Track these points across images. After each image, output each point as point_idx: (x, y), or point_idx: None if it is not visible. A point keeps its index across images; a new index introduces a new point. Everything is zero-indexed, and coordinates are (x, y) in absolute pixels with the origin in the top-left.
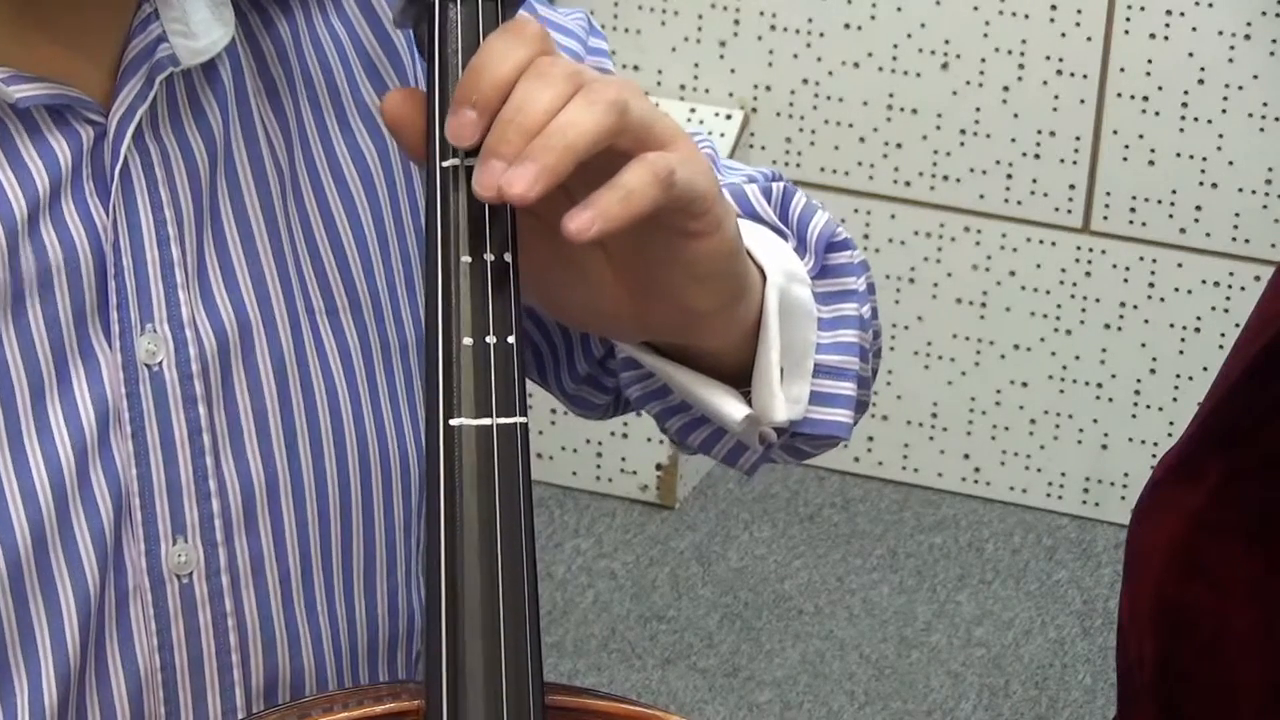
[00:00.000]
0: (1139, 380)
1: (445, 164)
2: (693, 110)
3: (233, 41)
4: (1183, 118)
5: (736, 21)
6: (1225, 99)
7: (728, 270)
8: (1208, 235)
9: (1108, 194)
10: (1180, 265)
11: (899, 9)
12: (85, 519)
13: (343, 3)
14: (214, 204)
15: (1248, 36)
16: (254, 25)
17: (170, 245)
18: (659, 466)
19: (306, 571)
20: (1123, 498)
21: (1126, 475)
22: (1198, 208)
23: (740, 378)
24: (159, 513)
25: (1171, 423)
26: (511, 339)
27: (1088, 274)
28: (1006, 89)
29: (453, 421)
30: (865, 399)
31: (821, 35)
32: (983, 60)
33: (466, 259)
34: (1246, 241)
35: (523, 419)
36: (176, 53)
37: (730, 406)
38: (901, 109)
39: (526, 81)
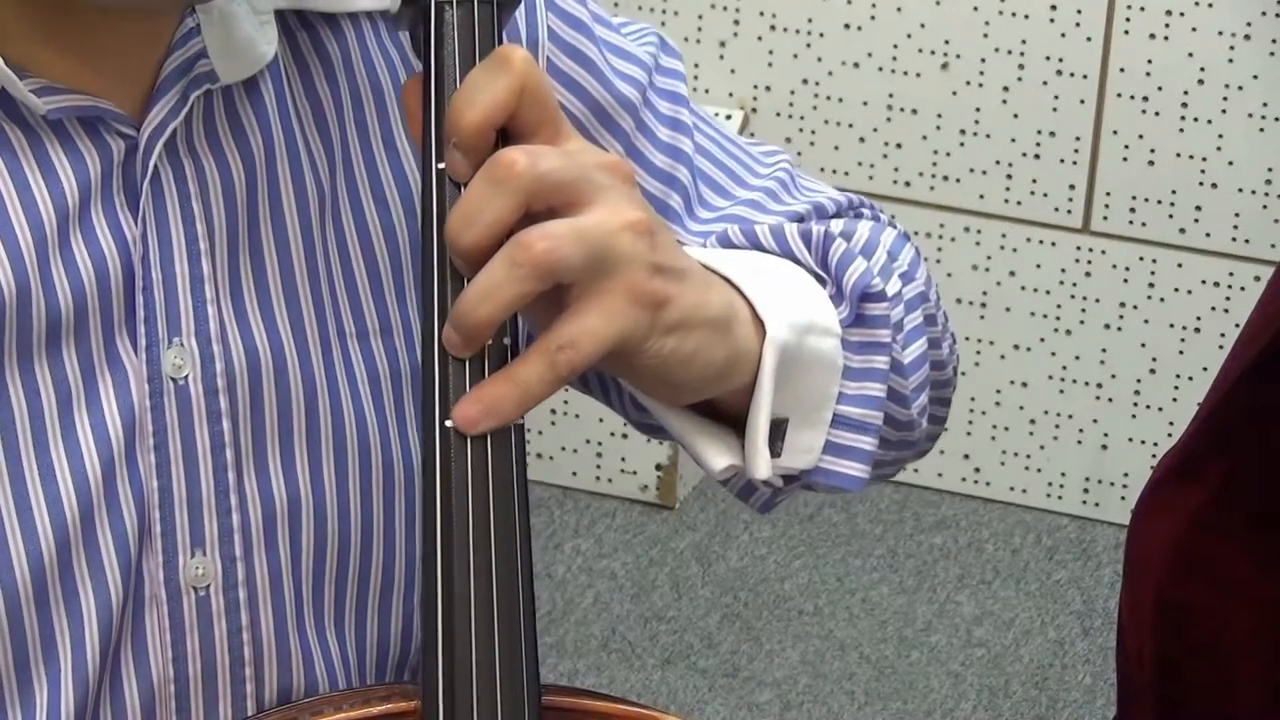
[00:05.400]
0: (1139, 380)
1: (440, 166)
2: None
3: (276, 59)
4: (1183, 118)
5: (736, 22)
6: (1225, 99)
7: (687, 377)
8: (1208, 235)
9: (1108, 194)
10: (1180, 265)
11: (899, 9)
12: (110, 528)
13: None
14: (252, 222)
15: (1248, 36)
16: (302, 44)
17: (201, 260)
18: (659, 466)
19: (324, 591)
20: (1123, 498)
21: (1126, 475)
22: (1198, 208)
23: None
24: (178, 525)
25: (1171, 423)
26: (506, 340)
27: (1088, 274)
28: (1006, 89)
29: (448, 422)
30: (912, 438)
31: (821, 35)
32: (983, 60)
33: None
34: (1246, 241)
35: (518, 420)
36: (216, 69)
37: (713, 456)
38: (901, 109)
39: (480, 184)
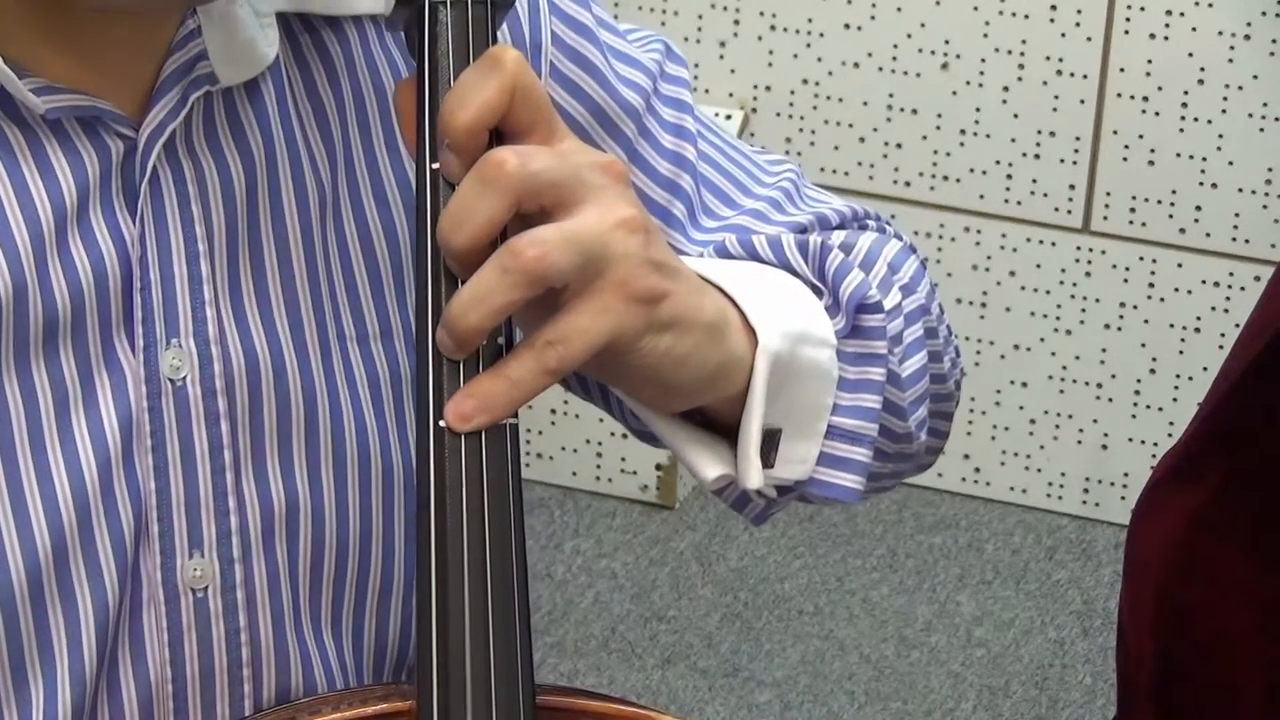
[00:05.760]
0: (1139, 380)
1: (434, 166)
2: None
3: (278, 61)
4: (1183, 118)
5: (736, 22)
6: (1225, 99)
7: (680, 379)
8: (1208, 235)
9: (1108, 194)
10: (1180, 265)
11: (899, 9)
12: (108, 529)
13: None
14: (252, 224)
15: (1248, 36)
16: (304, 46)
17: (200, 261)
18: (659, 466)
19: (322, 593)
20: (1123, 498)
21: (1126, 475)
22: (1198, 208)
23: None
24: (176, 526)
25: (1171, 423)
26: (501, 340)
27: (1088, 274)
28: (1006, 89)
29: (442, 422)
30: (910, 451)
31: (821, 35)
32: (983, 60)
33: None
34: (1246, 241)
35: (513, 420)
36: (216, 71)
37: (705, 465)
38: (901, 109)
39: (470, 184)
